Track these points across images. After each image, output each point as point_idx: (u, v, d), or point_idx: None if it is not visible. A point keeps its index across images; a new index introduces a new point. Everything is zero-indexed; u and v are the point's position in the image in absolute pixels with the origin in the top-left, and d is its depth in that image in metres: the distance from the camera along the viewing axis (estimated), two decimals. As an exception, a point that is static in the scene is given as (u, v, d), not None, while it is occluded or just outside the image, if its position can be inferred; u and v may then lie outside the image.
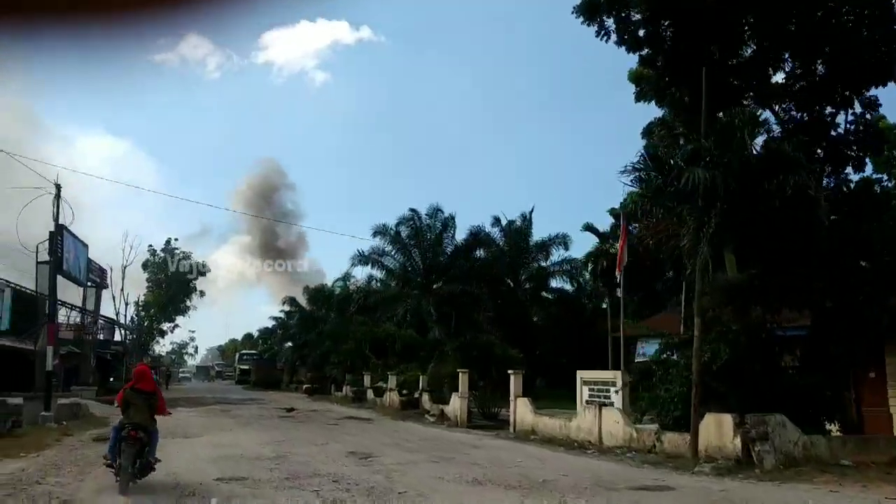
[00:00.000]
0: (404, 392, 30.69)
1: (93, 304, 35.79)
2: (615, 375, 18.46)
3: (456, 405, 23.90)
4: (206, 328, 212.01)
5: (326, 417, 26.43)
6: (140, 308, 52.80)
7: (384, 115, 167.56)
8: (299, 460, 13.53)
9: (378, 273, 53.27)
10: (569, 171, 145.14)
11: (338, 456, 14.38)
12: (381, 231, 51.78)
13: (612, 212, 45.12)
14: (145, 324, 52.70)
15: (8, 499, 9.59)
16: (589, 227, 43.53)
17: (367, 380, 36.27)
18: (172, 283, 52.42)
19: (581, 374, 19.97)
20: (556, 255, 51.95)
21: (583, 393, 19.82)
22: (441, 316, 45.58)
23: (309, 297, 66.56)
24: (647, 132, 21.53)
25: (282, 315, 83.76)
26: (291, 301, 72.22)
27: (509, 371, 21.27)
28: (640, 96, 21.44)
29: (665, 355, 15.53)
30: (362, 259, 52.06)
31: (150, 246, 53.10)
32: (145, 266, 53.49)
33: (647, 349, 25.00)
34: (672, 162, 14.25)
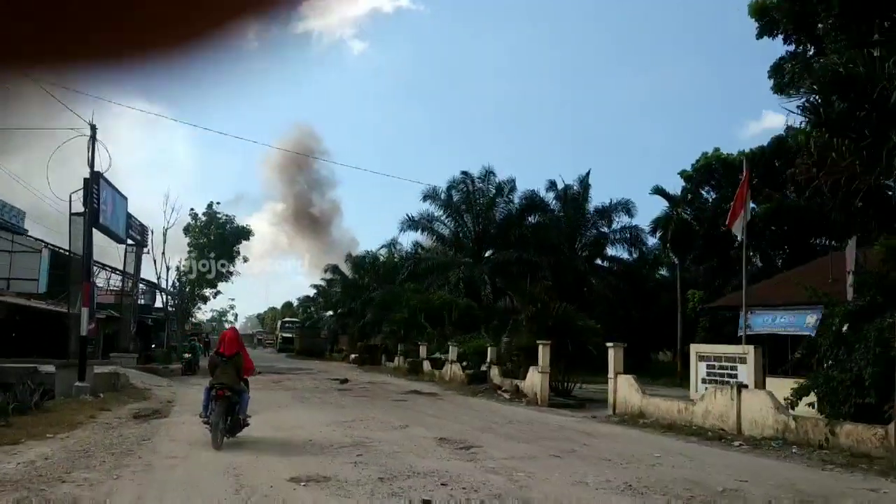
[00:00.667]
0: (465, 364, 27.99)
1: (133, 265, 33.45)
2: (745, 350, 15.46)
3: (535, 381, 21.07)
4: (243, 296, 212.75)
5: (387, 391, 23.89)
6: (182, 273, 50.93)
7: (425, 84, 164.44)
8: (384, 450, 10.83)
9: (427, 239, 50.78)
10: (624, 135, 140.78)
11: (429, 445, 11.65)
12: (431, 195, 49.04)
13: (684, 174, 41.62)
14: (187, 289, 50.71)
15: (19, 504, 7.05)
16: (659, 191, 40.06)
17: (422, 350, 33.62)
18: (216, 248, 50.08)
19: (697, 349, 17.03)
20: (617, 222, 48.81)
21: (699, 370, 16.89)
22: (494, 284, 42.92)
23: (353, 264, 64.29)
24: (776, 70, 18.24)
25: (322, 283, 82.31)
26: (333, 269, 70.41)
27: (608, 344, 18.29)
28: (765, 30, 18.22)
29: (843, 327, 12.33)
30: (412, 224, 49.46)
31: (192, 209, 50.84)
32: (187, 230, 51.35)
33: (754, 321, 21.83)
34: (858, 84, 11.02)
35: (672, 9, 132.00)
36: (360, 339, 50.83)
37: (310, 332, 64.82)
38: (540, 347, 20.54)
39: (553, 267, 46.08)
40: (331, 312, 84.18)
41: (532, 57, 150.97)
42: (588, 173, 49.64)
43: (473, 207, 48.29)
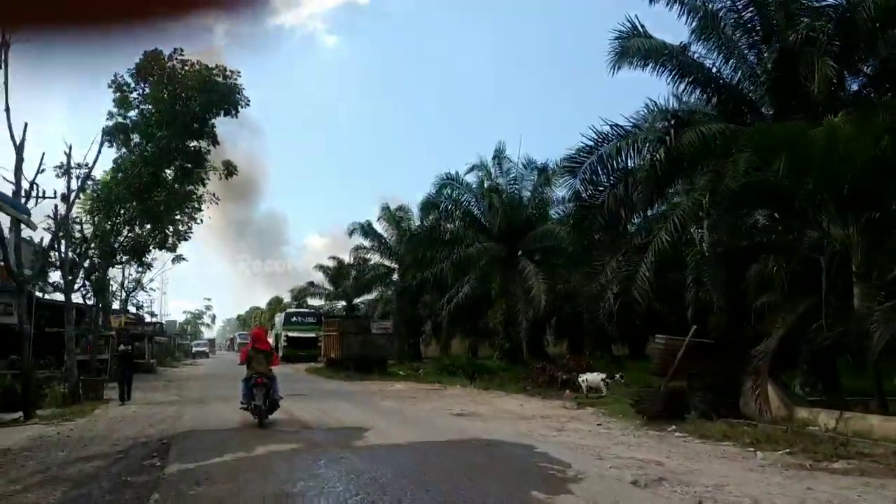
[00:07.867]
0: None
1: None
2: None
3: None
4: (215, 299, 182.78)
5: None
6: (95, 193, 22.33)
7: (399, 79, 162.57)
8: None
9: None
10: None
11: None
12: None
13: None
14: (82, 228, 21.82)
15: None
16: None
17: None
18: (177, 124, 20.20)
19: None
20: None
21: None
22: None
23: (428, 202, 34.72)
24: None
25: (331, 264, 55.48)
26: (364, 229, 43.81)
27: None
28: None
29: None
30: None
31: (118, 79, 20.63)
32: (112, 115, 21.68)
33: None
34: None
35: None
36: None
37: (357, 323, 34.17)
38: None
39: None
40: (343, 303, 56.46)
41: (515, 47, 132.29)
42: None
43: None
